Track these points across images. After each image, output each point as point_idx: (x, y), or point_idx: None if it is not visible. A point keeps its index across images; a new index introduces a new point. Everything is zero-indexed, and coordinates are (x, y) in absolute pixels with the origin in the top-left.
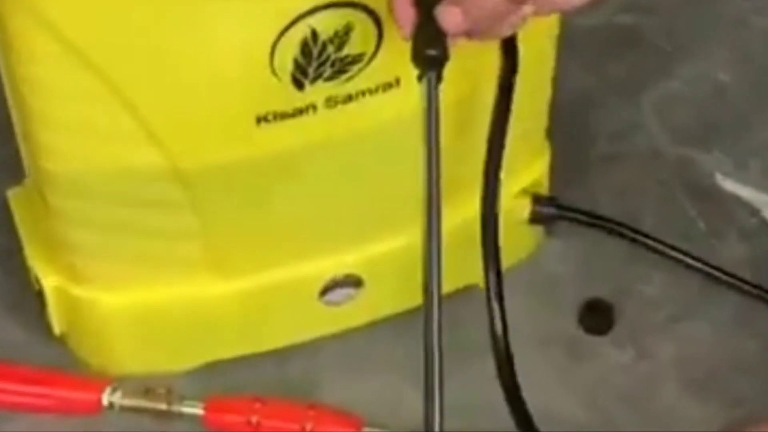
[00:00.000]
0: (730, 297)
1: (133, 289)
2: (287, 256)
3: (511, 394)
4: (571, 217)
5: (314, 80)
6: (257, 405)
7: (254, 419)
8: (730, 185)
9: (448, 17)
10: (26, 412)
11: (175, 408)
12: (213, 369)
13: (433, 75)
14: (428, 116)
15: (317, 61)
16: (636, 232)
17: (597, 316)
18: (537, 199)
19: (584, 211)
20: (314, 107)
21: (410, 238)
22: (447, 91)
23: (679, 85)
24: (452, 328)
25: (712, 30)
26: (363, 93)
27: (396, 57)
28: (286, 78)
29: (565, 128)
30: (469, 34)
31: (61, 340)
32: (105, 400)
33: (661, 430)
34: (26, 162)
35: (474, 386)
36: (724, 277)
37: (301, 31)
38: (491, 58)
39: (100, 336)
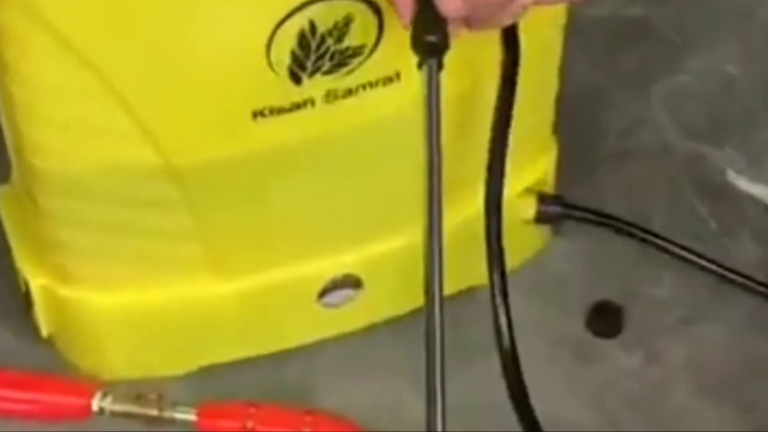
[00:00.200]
0: (743, 298)
1: (124, 290)
2: (285, 256)
3: (516, 393)
4: (578, 216)
5: (312, 74)
6: (252, 410)
7: (249, 425)
8: (742, 183)
9: (447, 2)
10: (12, 418)
11: (167, 414)
12: (207, 373)
13: (433, 62)
14: (429, 105)
15: (315, 54)
16: (645, 231)
17: (605, 319)
18: (543, 198)
19: (592, 210)
20: (312, 102)
21: (411, 237)
22: (448, 87)
23: (689, 78)
24: (454, 329)
25: (721, 22)
26: (363, 87)
27: (397, 50)
28: (284, 72)
29: (572, 124)
30: (469, 23)
31: (49, 343)
32: (95, 405)
33: None
34: (14, 160)
35: (476, 387)
36: (737, 278)
37: (298, 23)
38: (493, 52)
39: (90, 338)
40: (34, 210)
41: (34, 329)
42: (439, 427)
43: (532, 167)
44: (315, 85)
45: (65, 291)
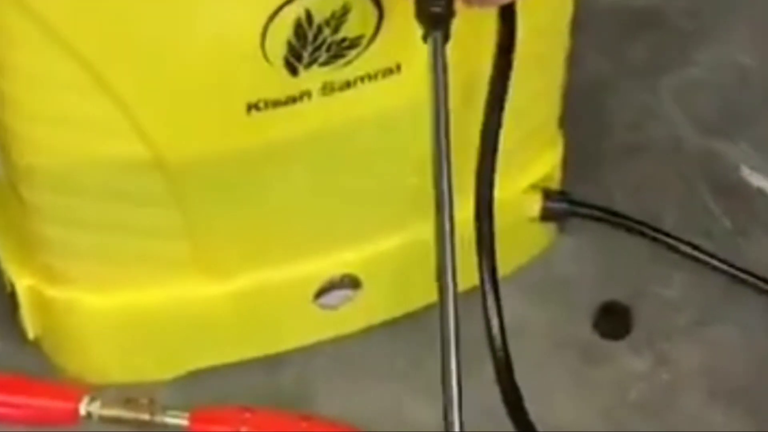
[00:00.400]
0: (757, 300)
1: (114, 291)
2: (280, 255)
3: (509, 398)
4: (585, 213)
5: (309, 65)
6: (246, 415)
7: (243, 430)
8: (756, 179)
9: None
10: None
11: (158, 418)
12: (199, 377)
13: (438, 34)
14: (435, 78)
15: (312, 45)
16: (655, 230)
17: (613, 320)
18: (548, 194)
19: (599, 207)
20: (309, 94)
21: (411, 235)
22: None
23: (701, 70)
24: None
25: (735, 11)
26: (361, 79)
27: (397, 40)
28: (279, 63)
29: (579, 117)
30: None
31: (35, 345)
32: (83, 409)
33: None
34: None
35: (479, 390)
36: (751, 279)
37: (294, 12)
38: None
39: (77, 340)
40: (20, 207)
41: (20, 331)
42: (457, 427)
43: (537, 163)
44: (312, 77)
45: (52, 292)
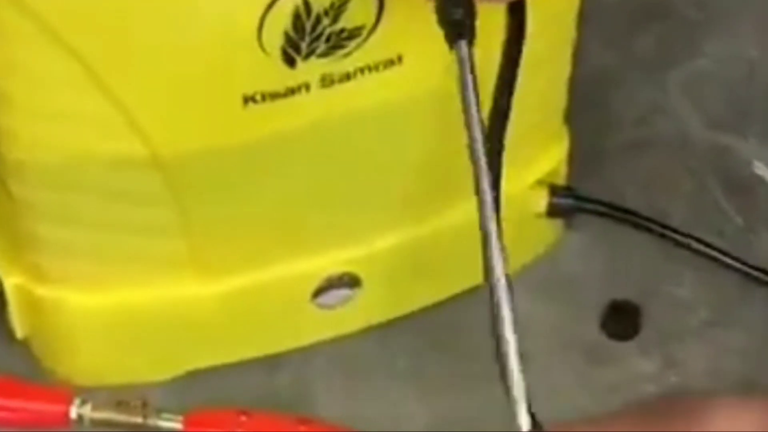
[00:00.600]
0: None
1: (105, 290)
2: (277, 252)
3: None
4: (592, 209)
5: (307, 56)
6: (242, 418)
7: None
8: None
9: None
10: None
11: (152, 422)
12: (194, 379)
13: (463, 44)
14: (464, 90)
15: (310, 36)
16: (665, 226)
17: (621, 320)
18: (554, 190)
19: (607, 203)
20: (307, 86)
21: (414, 232)
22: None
23: (711, 62)
24: (458, 334)
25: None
26: (362, 71)
27: (398, 31)
28: (276, 54)
29: (585, 112)
30: None
31: (23, 345)
32: (73, 412)
33: None
34: None
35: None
36: (764, 277)
37: (292, 2)
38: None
39: (67, 341)
40: (9, 203)
41: (8, 331)
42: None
43: (542, 158)
44: (310, 69)
45: (41, 290)
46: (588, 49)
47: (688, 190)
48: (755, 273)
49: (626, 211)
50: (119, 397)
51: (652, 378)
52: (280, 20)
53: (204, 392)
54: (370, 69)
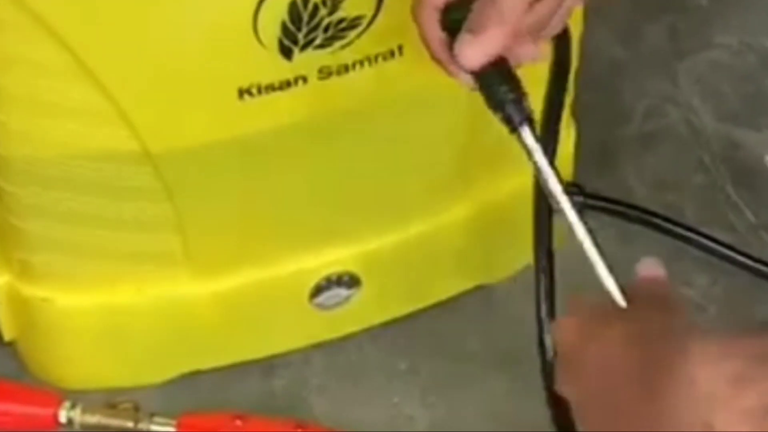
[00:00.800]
0: None
1: (95, 289)
2: (273, 251)
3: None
4: (599, 206)
5: (304, 48)
6: (238, 422)
7: None
8: None
9: (488, 40)
10: None
11: (144, 426)
12: (188, 382)
13: (525, 129)
14: (537, 176)
15: (308, 26)
16: (674, 223)
17: None
18: None
19: (615, 200)
20: (305, 79)
21: (414, 231)
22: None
23: (721, 53)
24: (458, 335)
25: None
26: (361, 63)
27: (399, 20)
28: (273, 45)
29: (593, 105)
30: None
31: (11, 347)
32: (62, 416)
33: None
34: None
35: (494, 398)
36: None
37: None
38: None
39: (56, 342)
40: None
41: None
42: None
43: None
44: (307, 61)
45: (29, 290)
46: (597, 40)
47: (699, 186)
48: (766, 270)
49: (635, 208)
50: (110, 400)
51: None
52: (277, 10)
53: (198, 396)
54: (369, 61)
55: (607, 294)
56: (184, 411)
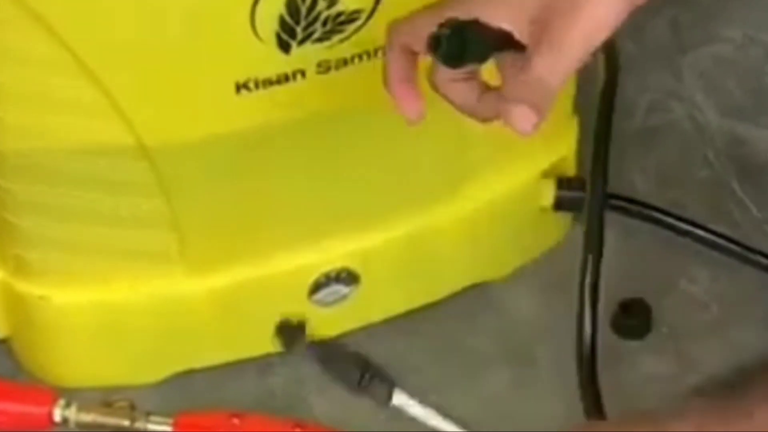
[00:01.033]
0: None
1: (90, 286)
2: (271, 247)
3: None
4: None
5: (303, 42)
6: (235, 421)
7: None
8: None
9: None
10: None
11: (140, 424)
12: (184, 380)
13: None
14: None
15: (306, 20)
16: (678, 219)
17: (632, 318)
18: (562, 182)
19: (617, 196)
20: (303, 73)
21: (414, 226)
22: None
23: (726, 48)
24: (458, 333)
25: None
26: (360, 57)
27: (399, 14)
28: (271, 39)
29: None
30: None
31: (5, 345)
32: (57, 414)
33: None
34: None
35: (488, 398)
36: None
37: None
38: None
39: (51, 340)
40: None
41: None
42: None
43: (550, 148)
44: (306, 55)
45: (24, 286)
46: None
47: (703, 181)
48: None
49: (638, 203)
50: (106, 398)
51: (664, 378)
52: (274, 3)
53: (195, 394)
54: (368, 55)
55: None
56: (180, 410)
